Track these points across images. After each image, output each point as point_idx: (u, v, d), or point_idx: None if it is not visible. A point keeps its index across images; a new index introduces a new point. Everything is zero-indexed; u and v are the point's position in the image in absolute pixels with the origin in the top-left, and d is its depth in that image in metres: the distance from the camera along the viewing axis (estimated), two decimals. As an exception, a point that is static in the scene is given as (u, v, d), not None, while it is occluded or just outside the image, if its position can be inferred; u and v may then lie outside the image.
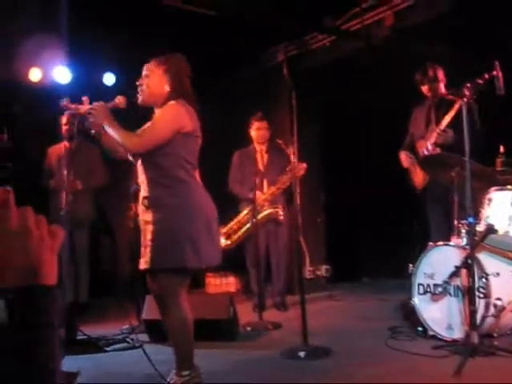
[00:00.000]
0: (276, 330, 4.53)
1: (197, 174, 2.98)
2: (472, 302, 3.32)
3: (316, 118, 6.79)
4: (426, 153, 4.51)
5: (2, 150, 5.30)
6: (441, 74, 4.61)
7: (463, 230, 3.77)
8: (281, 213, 5.24)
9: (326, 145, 6.87)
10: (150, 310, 4.06)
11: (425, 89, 4.65)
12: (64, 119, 5.37)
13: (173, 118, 2.84)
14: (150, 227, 2.82)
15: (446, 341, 3.63)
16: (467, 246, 3.54)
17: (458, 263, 3.56)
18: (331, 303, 5.73)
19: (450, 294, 3.71)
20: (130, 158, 2.96)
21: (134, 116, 2.92)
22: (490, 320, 3.51)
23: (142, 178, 2.91)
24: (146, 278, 2.99)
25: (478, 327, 3.35)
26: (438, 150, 4.42)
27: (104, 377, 3.42)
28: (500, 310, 3.51)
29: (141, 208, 2.91)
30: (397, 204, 6.11)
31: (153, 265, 2.80)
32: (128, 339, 4.20)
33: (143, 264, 2.84)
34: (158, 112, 2.89)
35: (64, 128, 5.39)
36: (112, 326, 4.56)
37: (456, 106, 4.16)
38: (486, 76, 3.54)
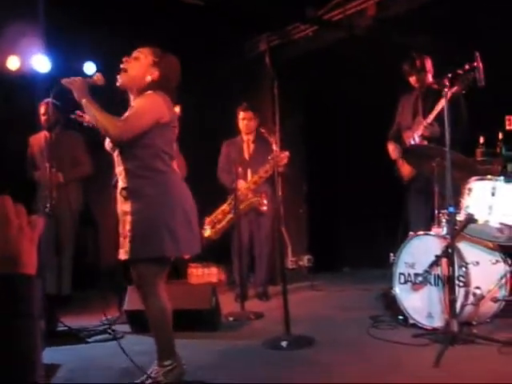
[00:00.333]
0: (258, 319, 4.54)
1: (174, 164, 2.96)
2: (452, 291, 3.36)
3: (298, 107, 6.79)
4: (413, 143, 4.51)
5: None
6: (428, 64, 4.59)
7: (443, 220, 3.81)
8: (264, 202, 5.24)
9: (308, 134, 6.88)
10: (131, 300, 4.04)
11: (412, 79, 4.63)
12: (42, 109, 5.31)
13: (153, 107, 2.81)
14: (128, 218, 2.81)
15: (427, 329, 3.67)
16: (447, 236, 3.58)
17: (438, 252, 3.60)
18: (313, 293, 5.76)
19: (430, 283, 3.75)
20: (108, 147, 2.91)
21: (110, 100, 2.86)
22: (469, 308, 3.56)
23: (119, 168, 2.88)
24: (128, 270, 2.98)
25: (458, 315, 3.39)
26: (425, 143, 4.42)
27: (85, 368, 3.40)
28: (479, 299, 3.56)
29: (119, 198, 2.89)
30: (379, 195, 6.16)
31: (132, 255, 2.79)
32: (109, 330, 4.18)
33: (123, 254, 2.83)
34: (138, 100, 2.85)
35: (43, 118, 5.32)
36: (94, 318, 4.53)
37: (443, 101, 4.16)
38: (467, 66, 3.56)
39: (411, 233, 4.03)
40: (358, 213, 6.80)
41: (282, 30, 6.33)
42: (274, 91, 4.08)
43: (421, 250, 3.85)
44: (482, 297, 3.56)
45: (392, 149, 4.81)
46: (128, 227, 2.80)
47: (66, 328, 4.13)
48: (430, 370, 2.96)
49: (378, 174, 5.67)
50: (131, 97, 2.92)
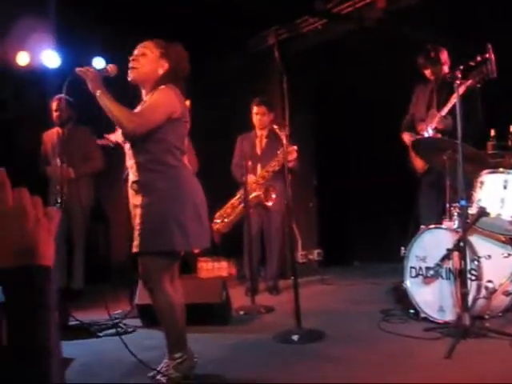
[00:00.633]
0: (268, 313, 4.54)
1: (185, 159, 2.95)
2: (464, 285, 3.34)
3: (308, 101, 6.76)
4: (423, 136, 4.46)
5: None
6: (444, 56, 4.49)
7: (455, 213, 3.78)
8: (273, 196, 5.23)
9: (317, 128, 6.86)
10: (142, 294, 4.05)
11: (427, 72, 4.54)
12: (54, 105, 5.33)
13: (166, 102, 2.81)
14: (138, 211, 2.82)
15: (438, 323, 3.66)
16: (459, 229, 3.55)
17: (450, 246, 3.57)
18: (323, 287, 5.75)
19: (441, 276, 3.73)
20: (120, 141, 2.92)
21: (122, 93, 2.86)
22: (481, 302, 3.54)
23: (130, 162, 2.88)
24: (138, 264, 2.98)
25: (470, 309, 3.37)
26: (439, 136, 4.38)
27: (97, 362, 3.42)
28: (491, 292, 3.53)
29: (130, 192, 2.89)
30: (389, 189, 6.14)
31: (141, 248, 2.79)
32: (121, 324, 4.20)
33: (134, 247, 2.83)
34: (153, 95, 2.84)
35: (55, 114, 5.35)
36: (106, 312, 4.55)
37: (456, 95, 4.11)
38: (479, 58, 3.53)
39: (422, 226, 4.00)
40: (368, 207, 6.78)
41: (291, 24, 6.30)
42: (282, 85, 4.05)
43: (432, 243, 3.83)
44: (494, 290, 3.54)
45: (407, 137, 4.71)
46: (138, 220, 2.81)
47: (77, 322, 4.15)
48: (441, 363, 2.95)
49: (388, 168, 5.66)
50: (143, 92, 2.92)
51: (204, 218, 2.93)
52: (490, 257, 3.63)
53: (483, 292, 3.54)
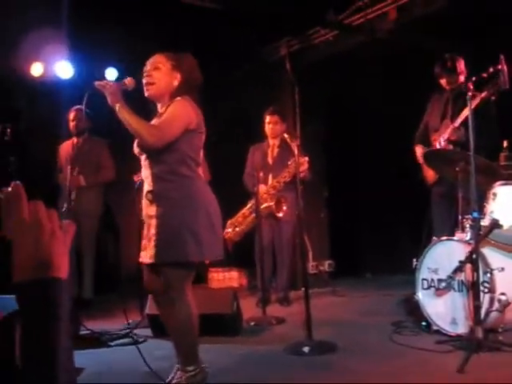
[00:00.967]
0: (279, 324, 4.53)
1: (200, 171, 2.96)
2: (476, 297, 3.31)
3: (319, 112, 6.77)
4: (438, 147, 4.44)
5: (5, 144, 5.29)
6: (461, 66, 4.44)
7: (467, 225, 3.75)
8: (284, 208, 5.23)
9: (329, 140, 6.86)
10: (153, 304, 4.05)
11: (443, 81, 4.51)
12: (71, 115, 5.39)
13: (183, 114, 2.83)
14: (153, 221, 2.82)
15: (451, 336, 3.62)
16: (471, 241, 3.52)
17: (462, 258, 3.55)
18: (334, 298, 5.73)
19: (454, 288, 3.70)
20: (136, 151, 2.93)
21: (139, 105, 2.88)
22: (494, 315, 3.50)
23: (146, 173, 2.90)
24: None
25: (483, 322, 3.34)
26: (451, 147, 4.35)
27: (107, 372, 3.42)
28: (504, 305, 3.49)
29: (144, 202, 2.91)
30: (400, 200, 6.11)
31: (157, 259, 2.79)
32: (131, 334, 4.20)
33: (147, 258, 2.83)
34: (170, 107, 2.85)
35: (71, 124, 5.41)
36: (116, 322, 4.56)
37: (473, 103, 4.08)
38: (491, 69, 3.51)
39: (434, 238, 3.98)
40: (379, 218, 6.75)
41: (303, 35, 6.33)
42: (294, 96, 4.06)
43: (444, 255, 3.80)
44: (508, 303, 3.50)
45: (420, 152, 4.69)
46: (153, 231, 2.82)
47: (88, 332, 4.16)
48: (454, 376, 2.92)
49: (399, 179, 5.64)
50: (159, 105, 2.94)
51: (218, 228, 2.93)
52: (503, 269, 3.59)
53: (496, 305, 3.50)
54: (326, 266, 6.61)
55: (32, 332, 0.79)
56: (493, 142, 4.12)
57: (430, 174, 4.61)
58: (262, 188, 5.22)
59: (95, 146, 5.41)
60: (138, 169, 3.18)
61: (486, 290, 3.51)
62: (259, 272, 5.20)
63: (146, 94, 2.90)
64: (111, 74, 6.07)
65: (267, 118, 5.39)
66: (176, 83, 2.89)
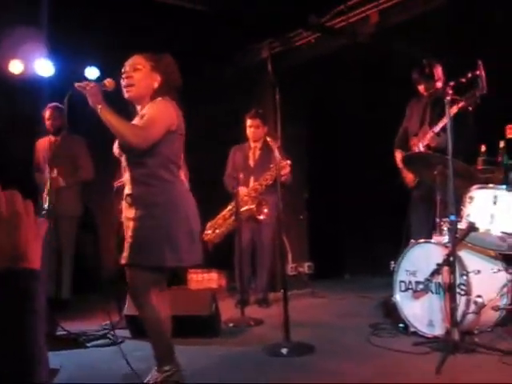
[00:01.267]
0: (258, 326, 4.53)
1: (181, 174, 2.95)
2: (453, 299, 3.34)
3: (301, 115, 6.79)
4: (414, 151, 4.48)
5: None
6: (438, 72, 4.49)
7: (445, 228, 3.80)
8: (265, 211, 5.23)
9: (309, 142, 6.88)
10: (131, 305, 4.03)
11: (421, 88, 4.56)
12: (47, 113, 5.34)
13: (165, 114, 2.81)
14: (131, 224, 2.81)
15: (427, 337, 3.66)
16: (449, 244, 3.56)
17: (439, 260, 3.58)
18: (313, 300, 5.75)
19: (431, 291, 3.74)
20: (116, 153, 2.91)
21: (119, 106, 2.85)
22: (470, 317, 3.55)
23: (126, 175, 2.88)
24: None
25: (459, 324, 3.37)
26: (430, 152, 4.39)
27: (84, 373, 3.39)
28: (480, 307, 3.54)
29: (124, 204, 2.89)
30: (379, 202, 6.15)
31: (130, 260, 2.78)
32: (109, 335, 4.17)
33: (123, 259, 2.82)
34: (150, 108, 2.82)
35: (47, 122, 5.36)
36: (94, 323, 4.52)
37: (452, 110, 4.13)
38: (469, 75, 3.56)
39: (412, 240, 4.02)
40: (358, 220, 6.79)
41: (285, 37, 6.34)
42: (275, 98, 4.07)
43: (422, 257, 3.84)
44: (484, 305, 3.55)
45: (399, 157, 4.74)
46: (130, 233, 2.80)
47: (65, 332, 4.12)
48: (431, 377, 2.95)
49: (379, 182, 5.67)
50: (138, 107, 2.92)
51: (196, 234, 2.92)
52: (479, 272, 3.64)
53: (472, 307, 3.55)
54: (306, 267, 6.63)
55: (6, 326, 0.78)
56: (470, 147, 4.17)
57: (409, 178, 4.66)
58: (243, 190, 5.22)
59: (73, 144, 5.35)
60: (118, 171, 3.16)
61: (463, 293, 3.56)
62: (238, 273, 5.20)
63: (126, 96, 2.88)
64: (91, 72, 6.02)
65: (248, 122, 5.38)
66: (156, 84, 2.87)
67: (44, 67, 5.72)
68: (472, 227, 3.60)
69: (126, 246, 2.81)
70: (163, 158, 2.80)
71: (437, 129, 4.32)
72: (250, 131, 5.39)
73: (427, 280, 3.69)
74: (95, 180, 5.59)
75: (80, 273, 5.72)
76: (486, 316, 3.62)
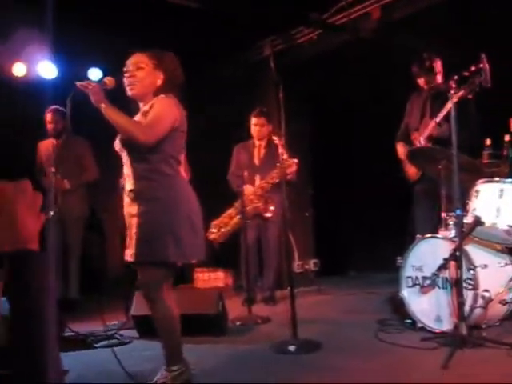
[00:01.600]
0: (265, 324, 4.53)
1: (181, 169, 2.95)
2: (460, 294, 3.33)
3: (304, 112, 6.78)
4: (419, 146, 4.49)
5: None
6: (438, 66, 4.51)
7: (451, 223, 3.79)
8: (271, 208, 5.23)
9: (314, 139, 6.87)
10: (138, 305, 4.04)
11: (421, 81, 4.57)
12: (48, 117, 5.36)
13: (170, 111, 2.81)
14: (134, 220, 2.81)
15: (435, 333, 3.65)
16: (455, 238, 3.55)
17: (446, 255, 3.57)
18: (320, 297, 5.74)
19: (438, 286, 3.73)
20: (117, 148, 2.91)
21: (121, 103, 2.85)
22: (478, 311, 3.54)
23: (127, 171, 2.88)
24: (135, 275, 2.97)
25: (467, 319, 3.36)
26: (430, 144, 4.40)
27: (93, 374, 3.40)
28: (488, 302, 3.53)
29: (126, 201, 2.89)
30: (385, 198, 6.14)
31: (137, 258, 2.79)
32: (116, 336, 4.18)
33: (129, 256, 2.83)
34: (156, 104, 2.82)
35: (49, 126, 5.38)
36: (101, 323, 4.53)
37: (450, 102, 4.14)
38: (473, 68, 3.55)
39: (418, 236, 4.01)
40: (364, 216, 6.78)
41: (286, 34, 6.33)
42: (278, 96, 4.07)
43: (428, 252, 3.83)
44: (491, 300, 3.54)
45: (400, 149, 4.75)
46: (134, 230, 2.80)
47: (73, 333, 4.13)
48: (438, 373, 2.94)
49: (384, 178, 5.66)
50: (141, 104, 2.92)
51: (199, 228, 2.91)
52: (486, 266, 3.63)
53: (480, 301, 3.54)
54: (312, 264, 6.63)
55: (19, 306, 0.80)
56: (474, 137, 4.16)
57: (411, 172, 4.65)
58: (249, 188, 5.22)
59: (77, 145, 5.38)
60: (122, 169, 3.16)
61: (470, 287, 3.54)
62: (244, 272, 5.20)
63: (129, 94, 2.88)
64: (94, 74, 6.04)
65: (253, 120, 5.38)
66: (159, 82, 2.87)
67: (47, 69, 5.73)
68: (478, 221, 3.59)
69: (131, 243, 2.81)
70: (164, 154, 2.81)
71: (438, 118, 4.31)
72: (254, 129, 5.39)
73: (434, 275, 3.68)
74: (100, 180, 5.61)
75: (87, 273, 5.74)
76: (494, 310, 3.61)
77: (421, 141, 4.49)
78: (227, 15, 5.43)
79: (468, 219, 3.64)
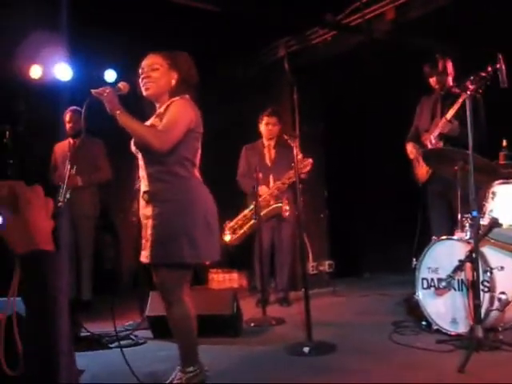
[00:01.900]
0: (279, 325, 4.52)
1: (196, 171, 2.95)
2: (476, 296, 3.31)
3: (318, 113, 6.76)
4: (429, 146, 4.48)
5: (5, 146, 5.30)
6: (450, 67, 4.55)
7: (467, 224, 3.76)
8: (286, 208, 5.24)
9: (328, 140, 6.85)
10: (153, 306, 4.06)
11: (432, 81, 4.61)
12: (67, 117, 5.41)
13: (186, 114, 2.82)
14: (149, 222, 2.82)
15: (451, 335, 3.62)
16: (471, 240, 3.52)
17: (462, 257, 3.55)
18: (334, 298, 5.73)
19: (454, 288, 3.70)
20: (133, 149, 2.92)
21: (135, 106, 2.87)
22: (494, 314, 3.50)
23: (142, 173, 2.90)
24: (149, 275, 2.98)
25: (483, 321, 3.34)
26: (441, 144, 4.39)
27: (108, 374, 3.42)
28: (504, 304, 3.50)
29: (141, 202, 2.90)
30: (399, 199, 6.11)
31: (153, 259, 2.80)
32: (131, 336, 4.20)
33: (145, 258, 2.84)
34: (171, 107, 2.83)
35: (68, 126, 5.44)
36: (116, 324, 4.55)
37: (461, 99, 4.13)
38: (490, 69, 3.52)
39: (434, 237, 3.98)
40: (378, 218, 6.75)
41: (301, 35, 6.33)
42: (293, 97, 4.07)
43: (444, 254, 3.80)
44: (508, 302, 3.50)
45: (410, 149, 4.76)
46: (149, 231, 2.82)
47: (88, 334, 4.15)
48: (454, 375, 2.92)
49: (399, 179, 5.63)
50: (157, 105, 2.93)
51: (215, 230, 2.92)
52: (502, 268, 3.59)
53: (496, 304, 3.50)
54: (326, 266, 6.61)
55: (34, 306, 0.81)
56: (481, 138, 4.12)
57: (421, 173, 4.64)
58: (264, 189, 5.22)
59: (92, 146, 5.42)
60: (136, 172, 3.17)
61: (486, 289, 3.51)
62: (259, 273, 5.20)
63: (145, 94, 2.89)
64: (110, 75, 6.08)
65: (265, 119, 5.38)
66: (174, 82, 2.88)
67: (63, 71, 5.78)
68: (495, 223, 3.56)
69: (147, 244, 2.82)
70: (179, 156, 2.81)
71: (449, 116, 4.29)
72: (266, 129, 5.39)
73: (450, 277, 3.64)
74: (114, 182, 5.65)
75: (101, 273, 5.77)
76: (510, 313, 3.57)
77: (431, 139, 4.49)
78: (242, 16, 5.44)
79: (484, 221, 3.61)
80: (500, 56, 3.47)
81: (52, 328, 0.81)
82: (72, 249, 5.30)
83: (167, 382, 2.89)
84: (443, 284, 3.71)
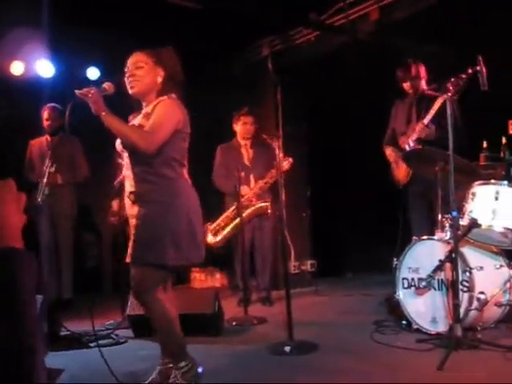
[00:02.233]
0: (261, 324, 4.53)
1: (184, 172, 2.93)
2: (456, 296, 3.34)
3: (301, 113, 6.78)
4: (408, 149, 4.51)
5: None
6: (423, 71, 4.64)
7: (447, 225, 3.79)
8: (267, 204, 5.25)
9: (311, 140, 6.87)
10: (134, 305, 4.04)
11: (406, 85, 4.67)
12: (45, 114, 5.37)
13: (173, 115, 2.80)
14: (134, 221, 2.81)
15: (431, 334, 3.65)
16: (451, 240, 3.56)
17: (442, 257, 3.58)
18: (316, 298, 5.74)
19: (434, 287, 3.73)
20: (119, 148, 2.89)
21: (120, 105, 2.84)
22: (473, 313, 3.54)
23: (127, 172, 2.87)
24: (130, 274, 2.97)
25: (462, 320, 3.37)
26: (419, 146, 4.43)
27: (88, 373, 3.39)
28: (483, 304, 3.54)
29: (127, 202, 2.88)
30: (381, 200, 6.14)
31: (134, 259, 2.78)
32: (112, 335, 4.18)
33: (128, 257, 2.83)
34: (158, 108, 2.81)
35: (46, 123, 5.40)
36: (97, 323, 4.52)
37: (439, 102, 4.17)
38: (470, 71, 3.55)
39: (414, 237, 4.01)
40: (360, 218, 6.78)
41: (285, 35, 6.33)
42: (276, 96, 4.07)
43: (424, 254, 3.84)
44: (486, 302, 3.55)
45: (389, 152, 4.82)
46: (133, 231, 2.80)
47: (68, 332, 4.12)
48: (433, 374, 2.94)
49: (380, 179, 5.66)
50: (143, 103, 2.91)
51: (199, 233, 2.89)
52: (481, 268, 3.64)
53: (475, 303, 3.55)
54: (309, 265, 6.63)
55: (1, 305, 0.80)
56: (460, 140, 4.15)
57: (402, 175, 4.68)
58: (246, 189, 5.22)
59: (69, 144, 5.40)
60: (117, 170, 3.15)
61: (465, 289, 3.55)
62: (240, 272, 5.20)
63: (131, 92, 2.86)
64: (93, 73, 6.04)
65: (242, 119, 5.39)
66: (160, 79, 2.87)
67: (45, 68, 5.73)
68: (474, 223, 3.59)
69: (131, 244, 2.81)
70: (166, 157, 2.79)
71: (426, 120, 4.33)
72: (243, 128, 5.40)
73: (430, 277, 3.67)
74: (93, 180, 5.63)
75: (82, 272, 5.73)
76: (489, 312, 3.62)
77: (410, 143, 4.52)
78: (225, 15, 5.43)
79: (464, 221, 3.65)
80: (480, 58, 3.51)
81: (21, 327, 0.80)
82: (52, 248, 5.26)
83: (147, 381, 2.87)
84: (423, 284, 3.74)
